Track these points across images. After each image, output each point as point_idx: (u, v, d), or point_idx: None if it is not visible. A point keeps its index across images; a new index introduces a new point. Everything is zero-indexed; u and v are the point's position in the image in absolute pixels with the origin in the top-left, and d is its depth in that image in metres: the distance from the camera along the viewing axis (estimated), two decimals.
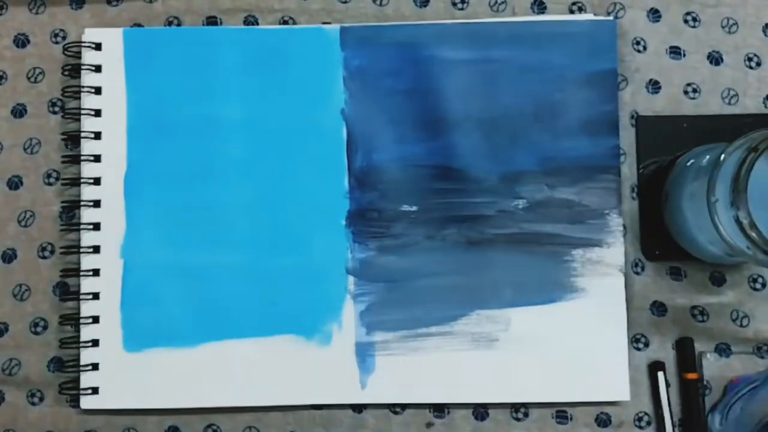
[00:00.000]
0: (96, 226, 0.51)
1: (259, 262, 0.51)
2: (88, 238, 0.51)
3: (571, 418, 0.51)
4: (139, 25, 0.53)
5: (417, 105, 0.52)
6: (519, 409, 0.51)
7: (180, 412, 0.51)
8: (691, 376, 0.50)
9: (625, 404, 0.51)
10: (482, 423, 0.51)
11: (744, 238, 0.41)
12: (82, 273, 0.51)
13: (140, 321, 0.50)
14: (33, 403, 0.51)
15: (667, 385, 0.50)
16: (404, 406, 0.51)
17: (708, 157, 0.47)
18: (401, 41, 0.52)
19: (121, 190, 0.51)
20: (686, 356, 0.51)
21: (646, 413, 0.51)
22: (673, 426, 0.50)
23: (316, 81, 0.52)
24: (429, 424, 0.51)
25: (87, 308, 0.51)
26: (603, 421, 0.51)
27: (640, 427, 0.51)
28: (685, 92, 0.53)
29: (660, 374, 0.50)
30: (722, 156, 0.43)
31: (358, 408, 0.51)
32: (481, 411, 0.51)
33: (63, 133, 0.52)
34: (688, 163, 0.49)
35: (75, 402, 0.51)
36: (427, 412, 0.51)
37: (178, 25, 0.53)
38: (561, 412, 0.51)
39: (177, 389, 0.50)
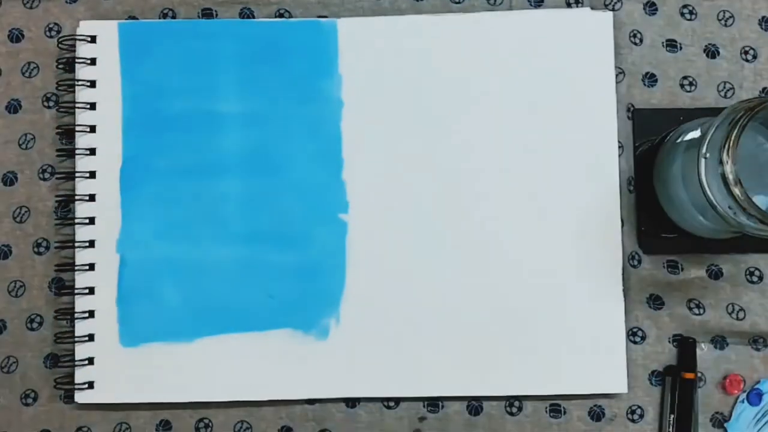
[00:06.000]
0: (91, 221, 0.51)
1: (256, 255, 0.51)
2: (82, 233, 0.51)
3: (564, 412, 0.51)
4: (134, 18, 0.53)
5: (414, 97, 0.52)
6: (513, 403, 0.51)
7: (174, 406, 0.51)
8: (689, 375, 0.50)
9: (619, 398, 0.51)
10: (476, 417, 0.51)
11: (728, 196, 0.41)
12: (76, 268, 0.51)
13: (136, 315, 0.50)
14: (27, 404, 0.51)
15: (674, 389, 0.51)
16: (398, 401, 0.51)
17: (702, 125, 0.47)
18: (398, 34, 0.52)
19: (117, 184, 0.51)
20: (687, 356, 0.51)
21: (639, 406, 0.51)
22: (670, 425, 0.50)
23: (313, 74, 0.52)
24: (421, 419, 0.51)
25: (82, 303, 0.51)
26: (596, 414, 0.51)
27: (633, 421, 0.51)
28: (682, 85, 0.53)
29: (668, 379, 0.51)
30: (719, 117, 0.43)
31: (351, 402, 0.51)
32: (474, 405, 0.51)
33: (58, 127, 0.52)
34: (678, 139, 0.49)
35: (69, 398, 0.51)
36: (421, 405, 0.51)
37: (173, 17, 0.53)
38: (554, 405, 0.51)
39: (173, 384, 0.50)
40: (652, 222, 0.51)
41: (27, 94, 0.53)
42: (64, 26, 0.53)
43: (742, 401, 0.51)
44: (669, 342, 0.51)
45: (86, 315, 0.50)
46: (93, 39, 0.52)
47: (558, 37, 0.52)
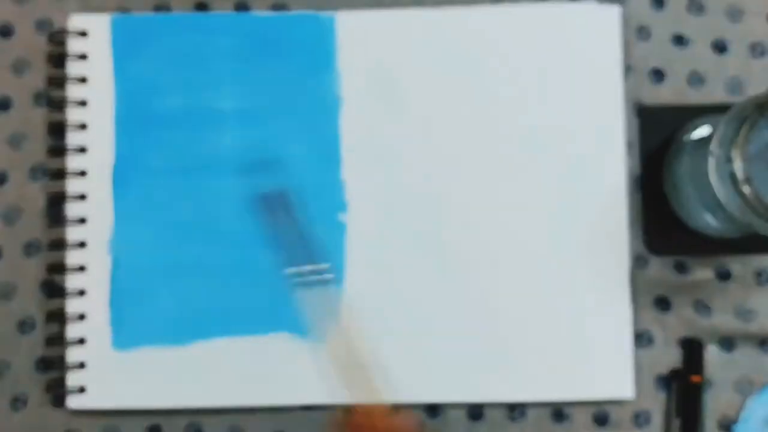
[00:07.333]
0: (82, 221, 0.50)
1: (252, 257, 0.50)
2: (73, 233, 0.50)
3: (568, 418, 0.50)
4: (127, 11, 0.52)
5: (415, 93, 0.51)
6: (515, 409, 0.50)
7: (165, 412, 0.50)
8: (696, 378, 0.50)
9: (624, 403, 0.50)
10: (477, 423, 0.50)
11: (736, 194, 0.41)
12: (67, 269, 0.50)
13: (129, 318, 0.50)
14: (16, 409, 0.51)
15: (680, 392, 0.50)
16: (397, 407, 0.50)
17: (710, 122, 0.47)
18: (399, 28, 0.51)
19: (109, 183, 0.50)
20: (694, 359, 0.50)
21: (645, 411, 0.50)
22: (677, 430, 0.50)
23: (311, 69, 0.51)
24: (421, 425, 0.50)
25: (73, 305, 0.50)
26: (601, 420, 0.50)
27: (639, 426, 0.50)
28: (689, 81, 0.52)
29: (673, 383, 0.51)
30: (728, 114, 0.42)
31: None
32: (476, 411, 0.50)
33: (49, 124, 0.51)
34: (686, 137, 0.49)
35: (60, 402, 0.50)
36: (421, 412, 0.50)
37: (167, 10, 0.52)
38: (558, 411, 0.50)
39: (166, 388, 0.50)
40: (660, 222, 0.51)
41: (17, 91, 0.52)
42: (55, 22, 0.52)
43: (750, 404, 0.50)
44: (676, 345, 0.51)
45: (77, 318, 0.50)
46: (84, 33, 0.51)
47: (563, 31, 0.51)
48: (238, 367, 0.49)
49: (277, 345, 0.49)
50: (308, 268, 0.36)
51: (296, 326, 0.50)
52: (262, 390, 0.49)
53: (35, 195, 0.51)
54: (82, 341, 0.50)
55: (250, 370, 0.49)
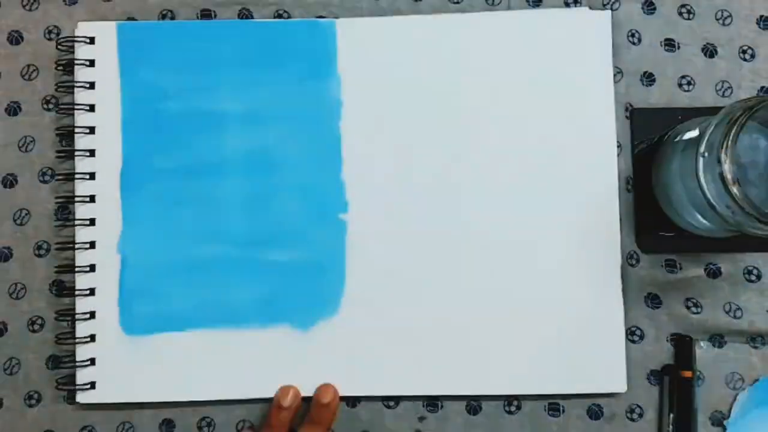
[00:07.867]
0: (91, 222, 0.51)
1: (256, 255, 0.51)
2: (82, 234, 0.51)
3: (563, 411, 0.51)
4: (133, 19, 0.53)
5: (413, 97, 0.52)
6: (512, 402, 0.51)
7: (176, 405, 0.51)
8: (687, 374, 0.50)
9: (618, 396, 0.51)
10: (475, 417, 0.51)
11: (725, 195, 0.41)
12: (77, 269, 0.51)
13: (137, 315, 0.51)
14: (30, 405, 0.51)
15: (672, 387, 0.51)
16: (398, 400, 0.51)
17: (700, 124, 0.47)
18: (397, 35, 0.52)
19: (117, 185, 0.51)
20: (684, 354, 0.51)
21: (638, 405, 0.51)
22: (670, 424, 0.51)
23: (312, 74, 0.52)
24: (421, 418, 0.51)
25: (82, 304, 0.51)
26: (595, 413, 0.51)
27: (632, 420, 0.51)
28: (680, 85, 0.53)
29: (666, 378, 0.51)
30: (717, 116, 0.43)
31: (352, 401, 0.51)
32: (473, 405, 0.51)
33: (57, 128, 0.52)
34: (677, 138, 0.49)
35: (72, 398, 0.51)
36: (420, 405, 0.51)
37: (172, 18, 0.53)
38: (553, 404, 0.51)
39: (174, 383, 0.50)
40: (651, 221, 0.51)
41: (26, 96, 0.53)
42: (64, 28, 0.53)
43: (742, 399, 0.51)
44: (667, 341, 0.51)
45: (87, 316, 0.51)
46: (92, 40, 0.52)
47: (556, 36, 0.52)
48: (244, 362, 0.50)
49: (281, 340, 0.50)
50: None
51: (299, 322, 0.51)
52: (267, 384, 0.50)
53: (45, 197, 0.52)
54: (92, 338, 0.51)
55: (255, 365, 0.50)
